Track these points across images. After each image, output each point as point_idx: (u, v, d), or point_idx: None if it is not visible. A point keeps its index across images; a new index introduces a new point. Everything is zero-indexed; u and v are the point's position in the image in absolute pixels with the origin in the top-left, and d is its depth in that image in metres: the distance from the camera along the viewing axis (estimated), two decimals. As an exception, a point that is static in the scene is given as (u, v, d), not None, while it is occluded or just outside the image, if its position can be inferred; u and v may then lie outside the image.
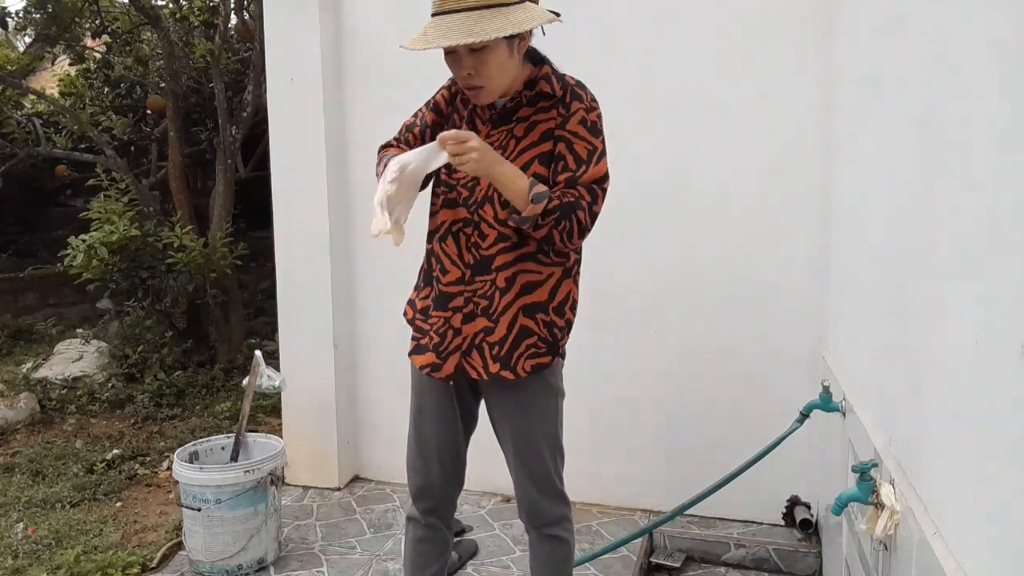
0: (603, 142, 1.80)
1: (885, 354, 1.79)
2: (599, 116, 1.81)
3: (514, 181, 1.69)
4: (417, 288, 1.98)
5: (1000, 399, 1.03)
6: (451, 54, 1.71)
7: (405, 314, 2.00)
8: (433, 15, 1.68)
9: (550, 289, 1.84)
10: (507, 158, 1.77)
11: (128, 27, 6.02)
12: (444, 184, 1.87)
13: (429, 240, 1.92)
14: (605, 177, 1.79)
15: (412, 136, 1.96)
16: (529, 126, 1.79)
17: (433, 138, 1.73)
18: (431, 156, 1.69)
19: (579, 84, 1.83)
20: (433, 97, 1.97)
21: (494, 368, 1.83)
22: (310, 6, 3.23)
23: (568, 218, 1.71)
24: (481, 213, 1.81)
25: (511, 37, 1.69)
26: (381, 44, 3.32)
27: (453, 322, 1.84)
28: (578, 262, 1.92)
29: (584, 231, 1.75)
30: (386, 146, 1.99)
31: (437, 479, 1.97)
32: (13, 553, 2.98)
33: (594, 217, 1.76)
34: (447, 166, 1.76)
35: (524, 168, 1.77)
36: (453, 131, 1.68)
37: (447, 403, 1.93)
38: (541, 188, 1.70)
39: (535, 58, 1.83)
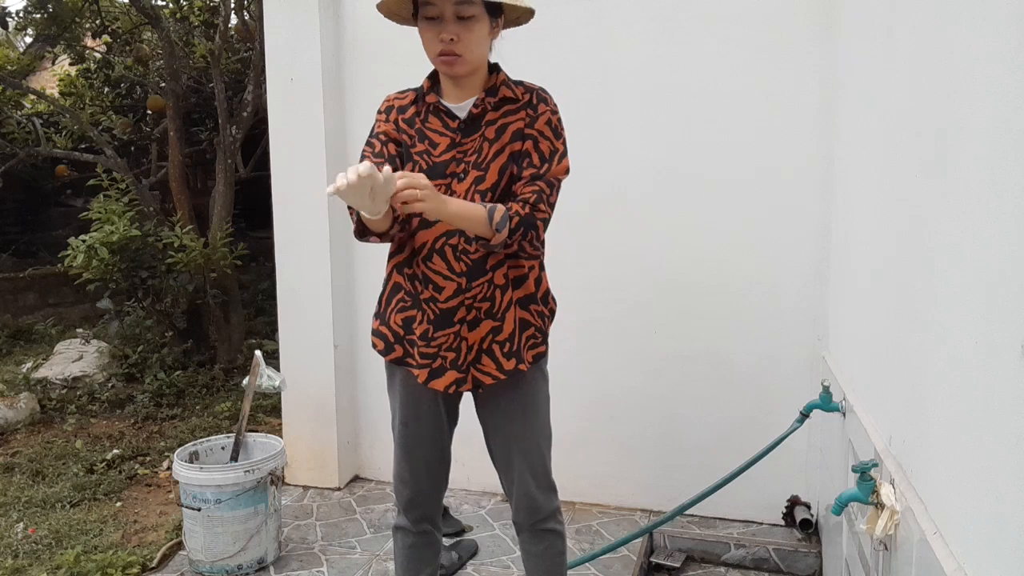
0: (564, 143, 1.87)
1: (885, 354, 1.79)
2: (560, 120, 1.87)
3: (470, 212, 1.71)
4: (380, 316, 1.93)
5: (1000, 399, 1.03)
6: (434, 19, 1.73)
7: (375, 346, 1.95)
8: None
9: (534, 280, 1.91)
10: (483, 160, 1.81)
11: (128, 27, 6.03)
12: None
13: (408, 264, 1.87)
14: (565, 172, 1.87)
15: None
16: (499, 128, 1.83)
17: (408, 164, 1.83)
18: (387, 179, 1.55)
19: (542, 88, 1.89)
20: (376, 131, 1.90)
21: (509, 365, 1.86)
22: (310, 6, 3.23)
23: (533, 226, 1.77)
24: None
25: (495, 15, 1.77)
26: (381, 44, 3.32)
27: (463, 333, 1.84)
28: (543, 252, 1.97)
29: (547, 225, 1.82)
30: None
31: (426, 487, 1.98)
32: (13, 553, 2.98)
33: (552, 206, 1.83)
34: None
35: (502, 168, 1.82)
36: (407, 175, 1.59)
37: (436, 410, 1.95)
38: (499, 211, 1.72)
39: (491, 66, 1.88)
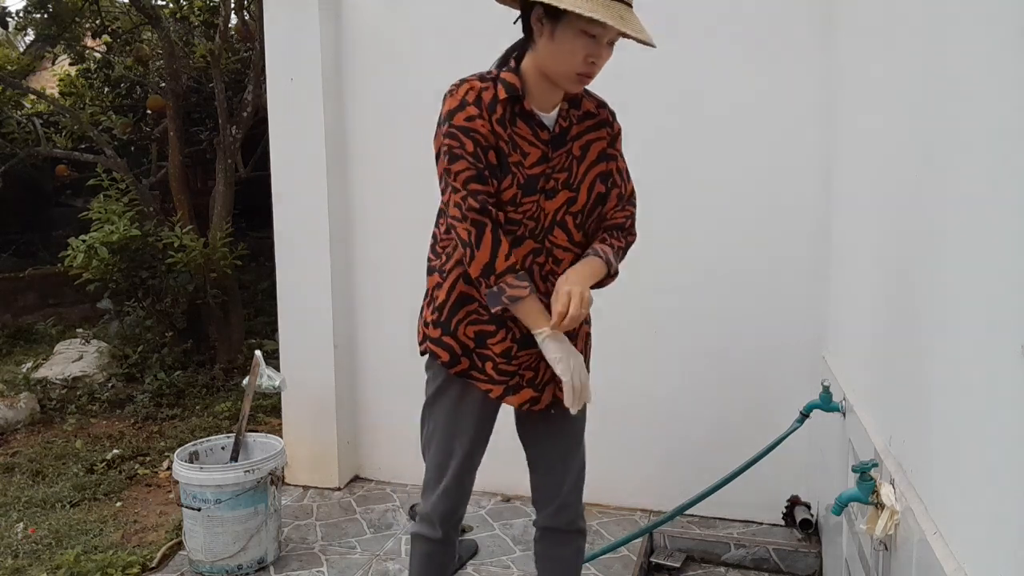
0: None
1: (885, 354, 1.79)
2: None
3: (596, 270, 1.75)
4: (443, 326, 1.80)
5: (1000, 399, 1.03)
6: (592, 37, 1.59)
7: (437, 356, 1.83)
8: None
9: None
10: (574, 180, 1.77)
11: (128, 27, 6.03)
12: (512, 223, 1.74)
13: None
14: (634, 191, 1.92)
15: (491, 195, 1.70)
16: (584, 145, 1.78)
17: (499, 179, 1.70)
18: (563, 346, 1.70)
19: (605, 101, 1.86)
20: (467, 127, 1.67)
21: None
22: (310, 6, 3.23)
23: (626, 251, 1.86)
24: (552, 240, 1.78)
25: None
26: (381, 44, 3.32)
27: None
28: None
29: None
30: (482, 214, 1.67)
31: (467, 499, 1.97)
32: (13, 553, 2.98)
33: None
34: (513, 202, 1.72)
35: (590, 188, 1.79)
36: (562, 313, 1.64)
37: (492, 424, 1.93)
38: (611, 254, 1.78)
39: None
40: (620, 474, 3.21)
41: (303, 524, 3.13)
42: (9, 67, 6.59)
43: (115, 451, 3.99)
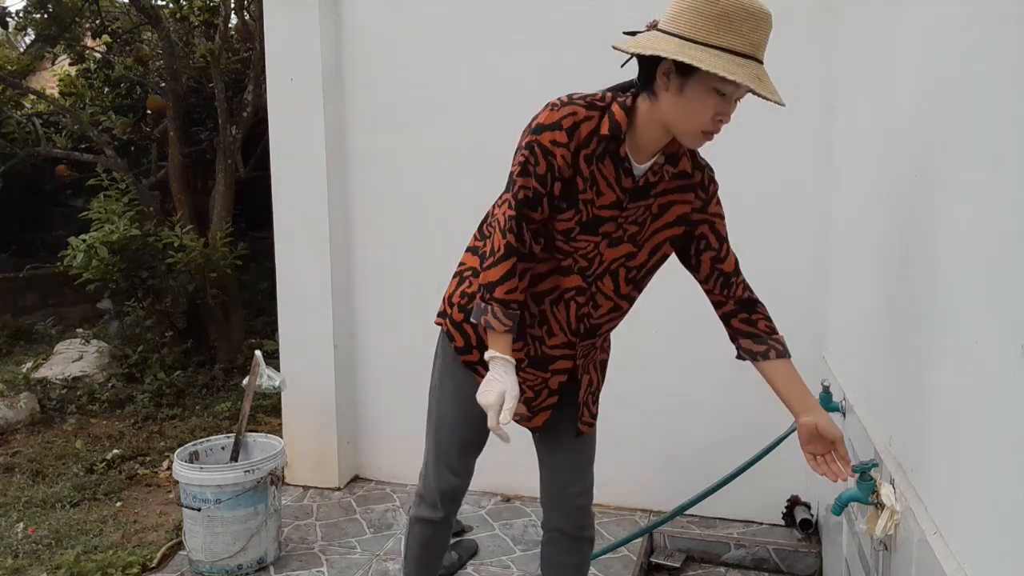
0: None
1: (885, 354, 1.79)
2: None
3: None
4: (465, 312, 1.81)
5: (1000, 399, 1.03)
6: (722, 95, 1.49)
7: (452, 339, 1.85)
8: (736, 53, 1.43)
9: None
10: (641, 236, 1.73)
11: (128, 27, 6.03)
12: (560, 252, 1.70)
13: (538, 302, 1.76)
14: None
15: (534, 220, 1.66)
16: (664, 205, 1.71)
17: (560, 210, 1.64)
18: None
19: (709, 166, 1.78)
20: (547, 155, 1.61)
21: (595, 408, 1.92)
22: (310, 6, 3.23)
23: None
24: (599, 285, 1.76)
25: None
26: (381, 44, 3.32)
27: (551, 383, 1.82)
28: None
29: None
30: (519, 242, 1.65)
31: (469, 479, 1.97)
32: (13, 553, 2.98)
33: None
34: (565, 234, 1.67)
35: (655, 248, 1.75)
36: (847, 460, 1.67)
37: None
38: (787, 347, 1.88)
39: None
40: (620, 474, 3.20)
41: (303, 524, 3.13)
42: (9, 67, 6.59)
43: (115, 451, 3.99)
